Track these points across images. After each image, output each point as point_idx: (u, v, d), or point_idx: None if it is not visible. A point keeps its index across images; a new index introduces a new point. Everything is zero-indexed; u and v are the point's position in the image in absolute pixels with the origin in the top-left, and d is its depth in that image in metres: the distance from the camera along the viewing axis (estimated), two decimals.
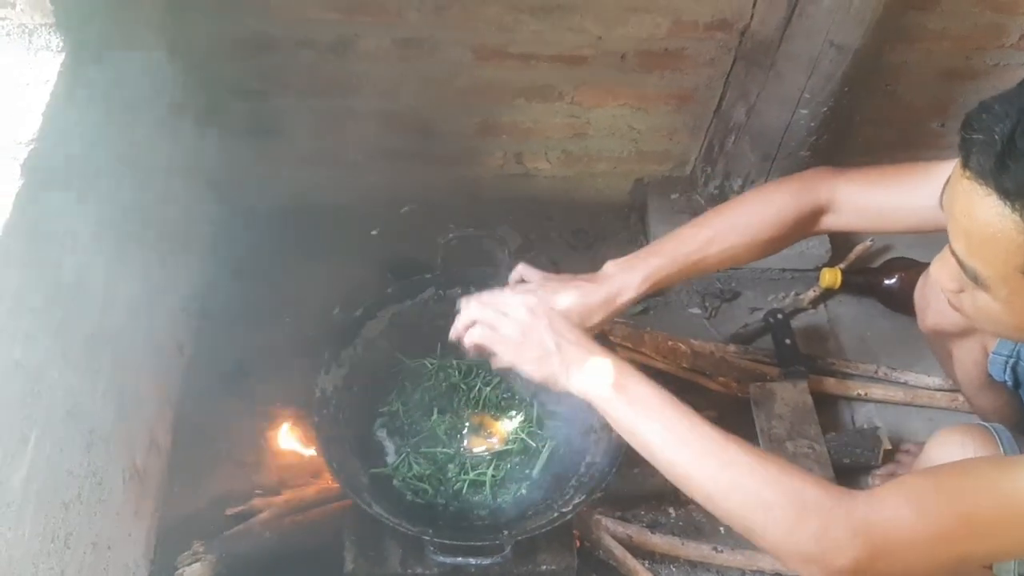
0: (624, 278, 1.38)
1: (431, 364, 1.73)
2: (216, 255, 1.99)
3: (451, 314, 1.71)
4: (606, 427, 1.59)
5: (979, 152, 0.93)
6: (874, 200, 1.34)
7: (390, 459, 1.64)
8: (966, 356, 1.54)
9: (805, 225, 1.38)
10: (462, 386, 1.72)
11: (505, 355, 1.31)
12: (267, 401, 1.81)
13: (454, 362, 1.74)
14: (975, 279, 1.00)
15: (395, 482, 1.60)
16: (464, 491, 1.59)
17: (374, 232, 2.12)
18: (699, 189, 2.15)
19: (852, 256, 2.13)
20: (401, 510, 1.52)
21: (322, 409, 1.57)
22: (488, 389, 1.71)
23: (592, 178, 2.15)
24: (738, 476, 1.08)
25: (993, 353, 1.44)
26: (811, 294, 2.11)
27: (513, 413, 1.70)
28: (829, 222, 1.39)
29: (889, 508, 1.00)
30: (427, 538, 1.39)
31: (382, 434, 1.67)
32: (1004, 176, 0.91)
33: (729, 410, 1.94)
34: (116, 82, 1.45)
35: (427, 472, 1.60)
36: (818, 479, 1.05)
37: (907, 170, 1.31)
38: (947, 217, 1.02)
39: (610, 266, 1.42)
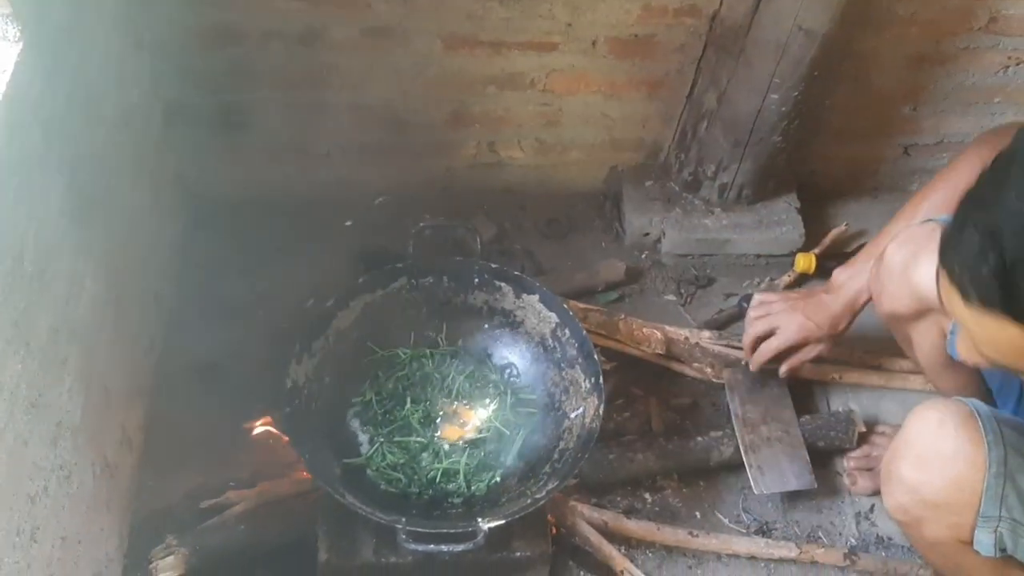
0: (856, 284, 1.63)
1: (404, 354, 1.73)
2: (187, 248, 1.98)
3: (425, 302, 1.73)
4: (580, 414, 1.60)
5: (977, 287, 0.95)
6: None
7: (363, 449, 1.63)
8: (924, 339, 1.55)
9: None
10: (435, 375, 1.72)
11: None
12: (240, 394, 1.80)
13: (427, 351, 1.74)
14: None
15: (369, 472, 1.60)
16: (438, 479, 1.59)
17: (348, 223, 2.11)
18: (673, 176, 2.15)
19: (827, 241, 2.13)
20: (374, 499, 1.52)
21: (293, 400, 1.56)
22: (462, 378, 1.71)
23: (566, 167, 2.15)
24: None
25: (951, 334, 1.44)
26: (786, 279, 2.11)
27: (487, 401, 1.70)
28: None
29: None
30: (399, 526, 1.38)
31: (355, 424, 1.66)
32: (1014, 302, 0.93)
33: (704, 396, 1.94)
34: (78, 74, 1.44)
35: (400, 461, 1.60)
36: None
37: None
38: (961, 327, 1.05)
39: (839, 274, 1.67)
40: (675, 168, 2.13)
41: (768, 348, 1.75)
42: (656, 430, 1.86)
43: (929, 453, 1.28)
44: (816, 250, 2.12)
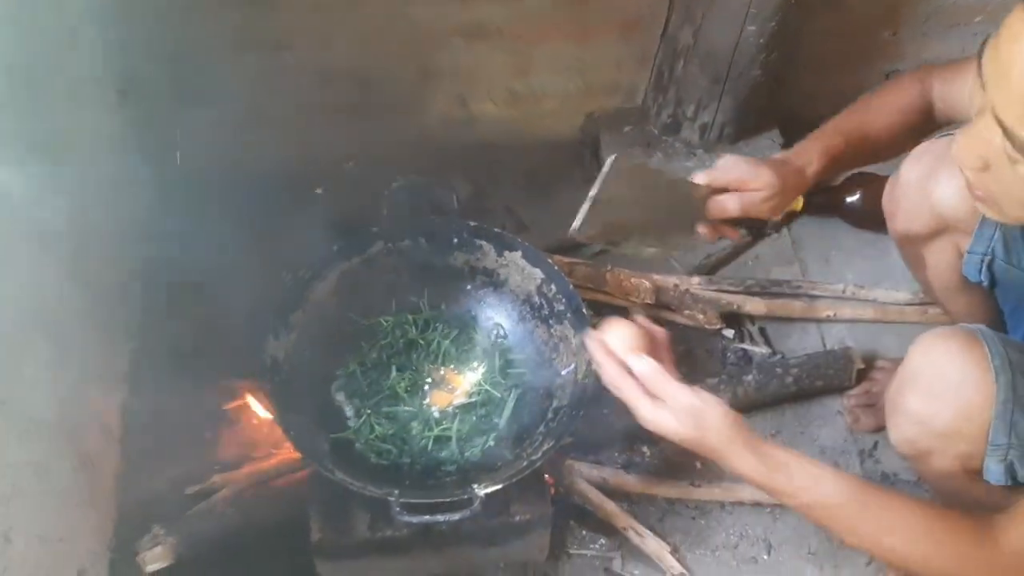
0: (804, 153, 1.42)
1: (386, 322, 1.67)
2: (155, 228, 1.90)
3: (404, 267, 1.67)
4: (571, 371, 1.55)
5: None
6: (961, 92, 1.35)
7: (351, 423, 1.57)
8: (939, 259, 1.49)
9: (927, 115, 1.44)
10: (420, 341, 1.66)
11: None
12: (220, 374, 1.74)
13: (409, 317, 1.68)
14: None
15: (358, 445, 1.54)
16: (430, 448, 1.54)
17: (318, 191, 2.04)
18: (652, 119, 2.08)
19: None
20: (365, 473, 1.46)
21: (275, 376, 1.50)
22: (447, 342, 1.65)
23: (540, 118, 2.08)
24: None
25: (968, 252, 1.39)
26: (773, 219, 2.05)
27: (475, 364, 1.64)
28: (939, 116, 1.44)
29: None
30: (392, 499, 1.33)
31: (341, 397, 1.60)
32: None
33: (698, 343, 1.90)
34: (27, 50, 1.36)
35: (390, 432, 1.55)
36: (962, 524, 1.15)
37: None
38: (993, 88, 0.99)
39: (780, 152, 1.53)
40: (653, 111, 2.07)
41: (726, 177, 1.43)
42: None
43: (935, 383, 1.23)
44: None
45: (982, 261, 1.39)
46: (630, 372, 1.22)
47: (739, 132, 2.05)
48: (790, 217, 2.07)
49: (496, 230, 1.66)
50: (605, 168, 1.31)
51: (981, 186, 1.10)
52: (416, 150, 2.07)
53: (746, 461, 1.16)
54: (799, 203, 2.02)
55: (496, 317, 1.69)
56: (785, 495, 1.17)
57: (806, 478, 1.16)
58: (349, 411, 1.59)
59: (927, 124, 1.45)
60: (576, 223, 1.29)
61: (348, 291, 1.64)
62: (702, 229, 1.40)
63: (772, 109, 2.06)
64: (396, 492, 1.36)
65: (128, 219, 1.83)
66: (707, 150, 2.07)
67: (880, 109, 1.45)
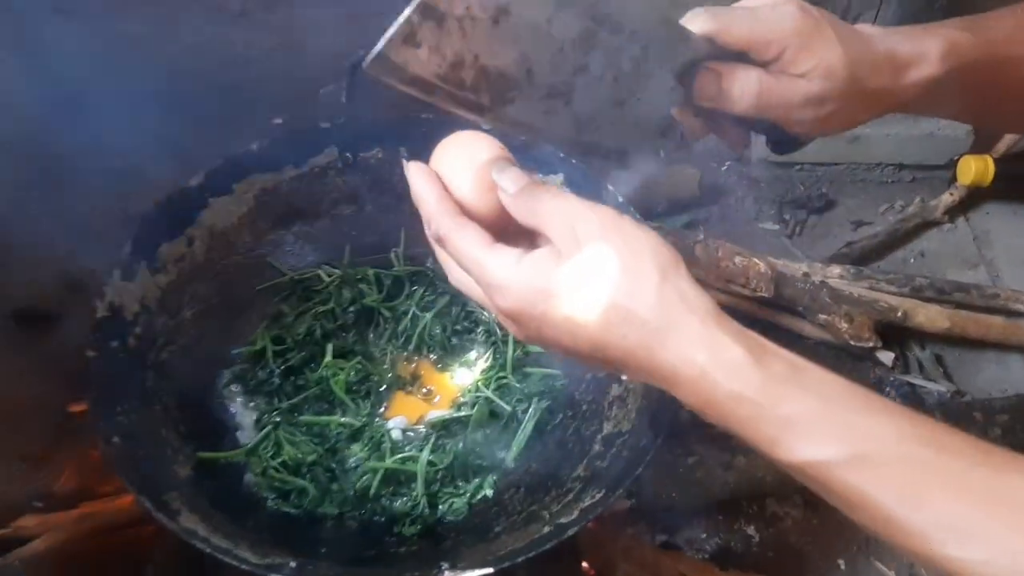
0: (916, 40, 0.66)
1: (328, 275, 1.00)
2: None
3: (368, 192, 1.02)
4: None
5: None
6: None
7: (244, 436, 0.90)
8: None
9: None
10: (383, 312, 0.99)
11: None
12: (70, 355, 1.07)
13: (369, 272, 1.01)
14: None
15: (248, 477, 0.87)
16: (374, 490, 0.85)
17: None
18: None
19: (1008, 140, 1.38)
20: (251, 526, 0.79)
21: (107, 339, 0.83)
22: (428, 316, 0.98)
23: None
24: None
25: None
26: (947, 199, 1.38)
27: (472, 356, 0.96)
28: None
29: None
30: None
31: (233, 392, 0.93)
32: None
33: (836, 366, 1.19)
34: None
35: (308, 457, 0.87)
36: None
37: None
38: None
39: (873, 29, 0.68)
40: None
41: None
42: None
43: None
44: (993, 153, 1.37)
45: None
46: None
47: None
48: (972, 199, 1.38)
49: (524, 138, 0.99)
50: None
51: None
52: None
53: (716, 357, 0.51)
54: (988, 174, 1.34)
55: None
56: (796, 438, 0.50)
57: (851, 413, 0.50)
58: (244, 417, 0.91)
59: None
60: (380, 45, 0.54)
61: (270, 221, 0.99)
62: (680, 116, 0.68)
63: None
64: (293, 566, 0.68)
65: None
66: None
67: None
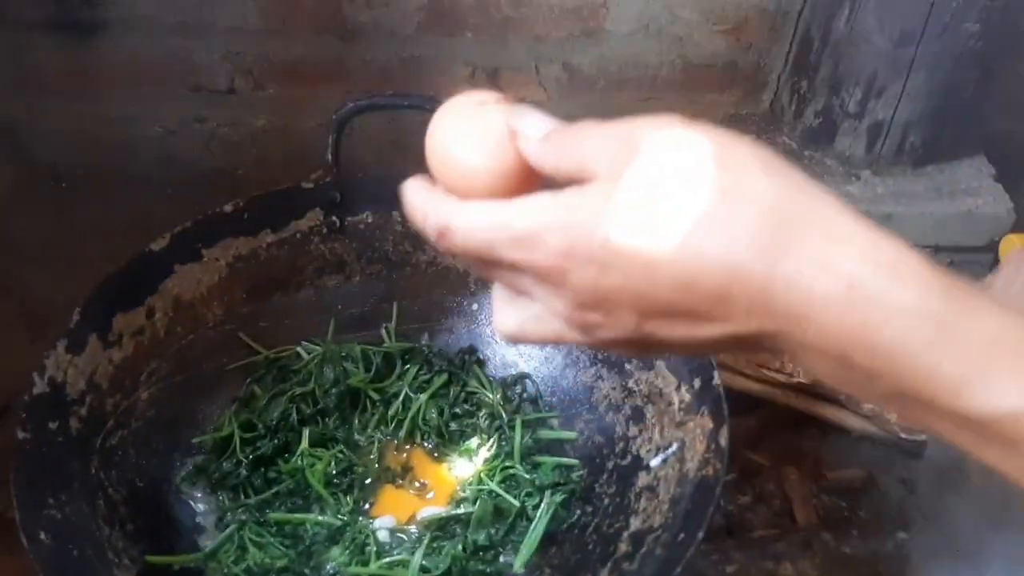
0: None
1: (307, 352, 0.87)
2: None
3: (355, 258, 0.92)
4: (670, 457, 0.74)
5: None
6: None
7: (204, 536, 0.76)
8: None
9: None
10: (370, 394, 0.86)
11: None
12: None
13: (356, 349, 0.88)
14: None
15: None
16: None
17: None
18: (788, 123, 1.33)
19: None
20: None
21: (47, 421, 0.70)
22: (424, 398, 0.84)
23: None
24: None
25: None
26: (989, 281, 1.26)
27: (473, 443, 0.83)
28: None
29: None
30: None
31: (194, 485, 0.79)
32: None
33: (884, 465, 1.06)
34: None
35: (278, 563, 0.72)
36: None
37: None
38: None
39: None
40: (791, 108, 1.32)
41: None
42: (802, 524, 0.97)
43: None
44: None
45: None
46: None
47: (932, 145, 1.28)
48: None
49: None
50: None
51: None
52: None
53: (871, 258, 0.34)
54: None
55: (522, 361, 0.89)
56: (1000, 373, 0.32)
57: None
58: (206, 515, 0.77)
59: None
60: None
61: (243, 291, 0.87)
62: None
63: (982, 114, 1.30)
64: None
65: None
66: (877, 172, 1.30)
67: None
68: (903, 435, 1.04)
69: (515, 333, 0.42)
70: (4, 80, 1.23)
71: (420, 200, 0.42)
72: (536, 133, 0.39)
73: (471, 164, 0.40)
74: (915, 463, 1.06)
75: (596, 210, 0.35)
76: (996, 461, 0.34)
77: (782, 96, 1.34)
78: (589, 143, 0.38)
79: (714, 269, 0.34)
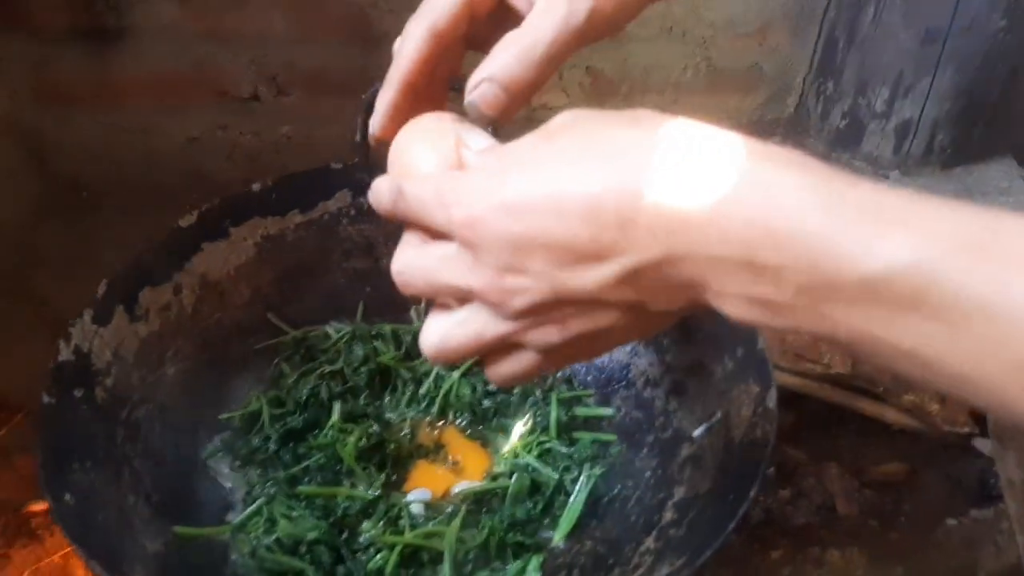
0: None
1: (335, 332, 0.85)
2: None
3: (383, 240, 0.90)
4: (712, 427, 0.72)
5: None
6: None
7: (232, 513, 0.73)
8: None
9: None
10: (403, 372, 0.83)
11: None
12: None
13: (387, 329, 0.86)
14: None
15: (235, 557, 0.69)
16: (390, 572, 0.67)
17: None
18: (814, 125, 1.33)
19: None
20: None
21: (72, 388, 0.69)
22: (456, 375, 0.82)
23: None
24: None
25: None
26: None
27: (508, 420, 0.80)
28: None
29: None
30: None
31: (221, 460, 0.76)
32: None
33: (927, 458, 1.03)
34: None
35: (309, 535, 0.69)
36: None
37: None
38: None
39: None
40: (817, 110, 1.32)
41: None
42: (844, 515, 0.94)
43: None
44: None
45: None
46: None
47: (960, 145, 1.27)
48: None
49: None
50: None
51: None
52: None
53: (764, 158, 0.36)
54: None
55: None
56: (887, 229, 0.32)
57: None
58: (234, 489, 0.75)
59: None
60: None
61: (273, 269, 0.85)
62: None
63: (1008, 115, 1.29)
64: None
65: None
66: (906, 172, 1.29)
67: None
68: (944, 427, 1.01)
69: (438, 343, 0.44)
70: (28, 91, 1.23)
71: (378, 180, 0.47)
72: (477, 147, 0.45)
73: (423, 166, 0.46)
74: (958, 460, 1.03)
75: (506, 156, 0.41)
76: (909, 338, 0.32)
77: (808, 98, 1.33)
78: None
79: (612, 191, 0.36)
